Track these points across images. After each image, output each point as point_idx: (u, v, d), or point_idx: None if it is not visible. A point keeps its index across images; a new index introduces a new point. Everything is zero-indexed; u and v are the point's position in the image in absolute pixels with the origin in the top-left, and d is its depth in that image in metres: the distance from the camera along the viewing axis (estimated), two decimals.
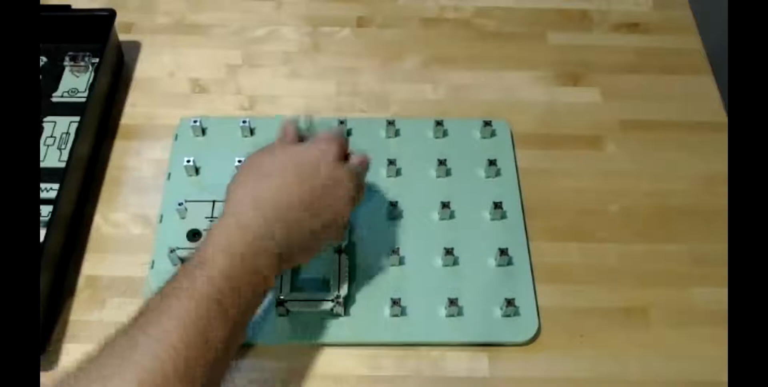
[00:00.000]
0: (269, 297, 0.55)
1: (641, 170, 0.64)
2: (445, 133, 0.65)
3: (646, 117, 0.68)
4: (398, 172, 0.63)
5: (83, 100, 0.65)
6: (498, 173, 0.63)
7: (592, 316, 0.57)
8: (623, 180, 0.64)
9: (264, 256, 0.46)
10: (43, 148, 0.63)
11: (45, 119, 0.64)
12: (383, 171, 0.63)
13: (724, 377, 0.53)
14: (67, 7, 0.68)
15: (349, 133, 0.65)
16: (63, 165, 0.60)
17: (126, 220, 0.61)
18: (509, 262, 0.58)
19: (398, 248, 0.57)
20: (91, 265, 0.58)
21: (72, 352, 0.54)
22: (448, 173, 0.63)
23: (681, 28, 0.75)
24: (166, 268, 0.57)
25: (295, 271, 0.57)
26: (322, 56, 0.72)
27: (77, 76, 0.68)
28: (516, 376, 0.54)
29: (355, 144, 0.64)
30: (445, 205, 0.60)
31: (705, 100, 0.69)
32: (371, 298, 0.56)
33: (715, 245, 0.60)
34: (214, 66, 0.71)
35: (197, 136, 0.65)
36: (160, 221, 0.59)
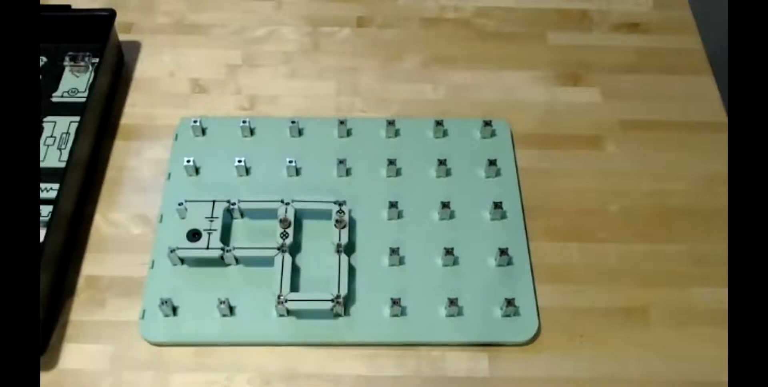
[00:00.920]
0: (269, 297, 0.55)
1: (641, 170, 0.64)
2: (445, 133, 0.65)
3: (646, 117, 0.68)
4: (398, 172, 0.63)
5: (83, 100, 0.65)
6: (498, 173, 0.63)
7: (592, 316, 0.57)
8: (623, 180, 0.64)
9: None
10: (43, 148, 0.63)
11: (45, 119, 0.64)
12: (383, 171, 0.63)
13: (724, 377, 0.53)
14: (67, 7, 0.68)
15: (349, 133, 0.65)
16: (63, 165, 0.60)
17: (126, 220, 0.61)
18: (509, 262, 0.58)
19: (398, 248, 0.57)
20: (91, 265, 0.58)
21: (72, 352, 0.54)
22: (448, 173, 0.63)
23: (681, 28, 0.75)
24: (166, 268, 0.57)
25: (295, 271, 0.57)
26: (322, 56, 0.72)
27: (77, 76, 0.68)
28: (516, 376, 0.54)
29: (355, 144, 0.64)
30: (445, 205, 0.60)
31: (705, 100, 0.69)
32: (371, 298, 0.56)
33: (715, 245, 0.60)
34: (214, 66, 0.71)
35: (197, 136, 0.65)
36: (160, 221, 0.60)
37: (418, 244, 0.59)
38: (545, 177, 0.64)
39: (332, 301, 0.54)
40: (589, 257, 0.59)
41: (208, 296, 0.56)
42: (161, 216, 0.60)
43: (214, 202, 0.59)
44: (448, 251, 0.57)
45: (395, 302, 0.55)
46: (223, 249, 0.56)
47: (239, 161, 0.62)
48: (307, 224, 0.60)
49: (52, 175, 0.60)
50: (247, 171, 0.62)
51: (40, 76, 0.67)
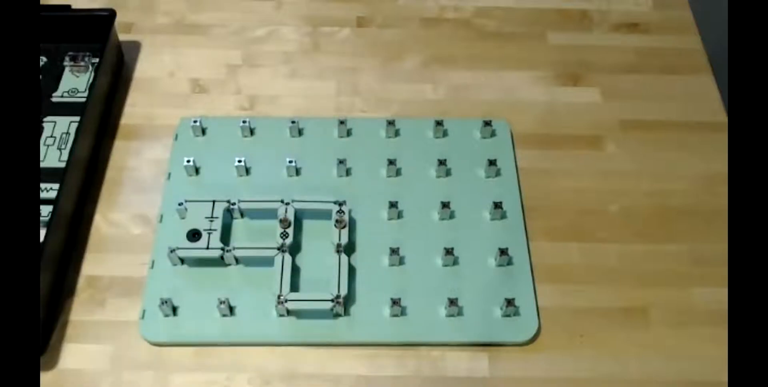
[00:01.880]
0: (269, 297, 0.55)
1: (641, 170, 0.64)
2: (445, 133, 0.65)
3: (646, 117, 0.68)
4: (398, 172, 0.63)
5: (83, 100, 0.65)
6: (498, 173, 0.63)
7: (592, 316, 0.57)
8: (623, 180, 0.64)
9: None
10: (43, 148, 0.63)
11: (45, 119, 0.64)
12: (383, 171, 0.63)
13: (724, 377, 0.53)
14: (67, 7, 0.68)
15: (349, 133, 0.65)
16: (63, 165, 0.60)
17: (126, 220, 0.61)
18: (509, 262, 0.58)
19: (398, 248, 0.57)
20: (91, 265, 0.58)
21: (72, 352, 0.54)
22: (448, 173, 0.63)
23: (681, 28, 0.75)
24: (166, 268, 0.57)
25: (295, 271, 0.57)
26: (322, 56, 0.72)
27: (77, 76, 0.68)
28: (516, 376, 0.54)
29: (355, 144, 0.64)
30: (445, 205, 0.60)
31: (705, 100, 0.69)
32: (371, 298, 0.56)
33: (715, 245, 0.60)
34: (214, 66, 0.71)
35: (197, 136, 0.65)
36: (160, 221, 0.60)
37: (418, 244, 0.59)
38: (545, 177, 0.64)
39: (332, 301, 0.54)
40: (589, 257, 0.60)
41: (208, 296, 0.56)
42: (161, 216, 0.60)
43: (214, 202, 0.59)
44: (448, 251, 0.57)
45: (395, 302, 0.55)
46: (223, 249, 0.56)
47: (239, 161, 0.62)
48: (307, 224, 0.60)
49: (52, 175, 0.60)
50: (247, 171, 0.62)
51: (40, 76, 0.67)
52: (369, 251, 0.59)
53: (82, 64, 0.68)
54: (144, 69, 0.70)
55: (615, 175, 0.64)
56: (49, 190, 0.60)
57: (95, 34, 0.66)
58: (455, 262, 0.58)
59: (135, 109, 0.68)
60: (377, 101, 0.69)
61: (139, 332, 0.55)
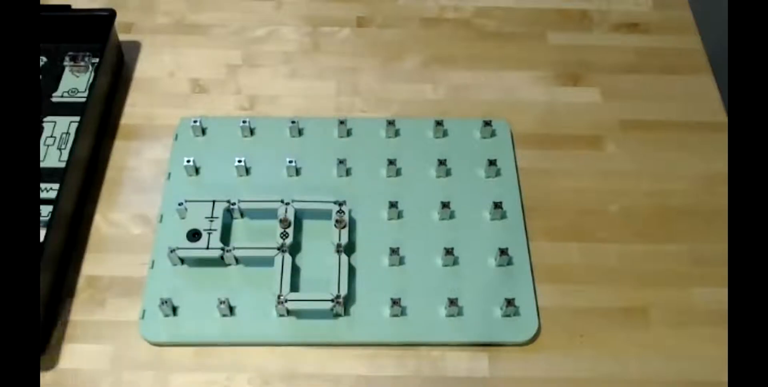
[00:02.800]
0: (269, 297, 0.55)
1: (641, 170, 0.64)
2: (445, 133, 0.65)
3: (646, 117, 0.68)
4: (398, 172, 0.63)
5: (83, 100, 0.65)
6: (498, 173, 0.63)
7: (592, 316, 0.57)
8: (623, 180, 0.64)
9: None
10: (43, 148, 0.63)
11: (45, 119, 0.64)
12: (383, 171, 0.63)
13: (724, 377, 0.53)
14: (67, 7, 0.68)
15: (349, 133, 0.65)
16: (63, 165, 0.60)
17: (126, 220, 0.61)
18: (509, 262, 0.58)
19: (398, 248, 0.57)
20: (91, 265, 0.58)
21: (72, 352, 0.54)
22: (448, 173, 0.63)
23: (681, 28, 0.75)
24: (166, 268, 0.57)
25: (295, 271, 0.57)
26: (322, 56, 0.72)
27: (77, 76, 0.68)
28: (516, 376, 0.54)
29: (355, 144, 0.64)
30: (445, 205, 0.60)
31: (705, 100, 0.69)
32: (371, 298, 0.56)
33: (715, 245, 0.60)
34: (214, 66, 0.71)
35: (197, 136, 0.65)
36: (160, 221, 0.59)
37: (418, 244, 0.59)
38: (545, 177, 0.64)
39: (332, 301, 0.54)
40: (589, 257, 0.59)
41: (208, 296, 0.56)
42: (161, 216, 0.60)
43: (214, 202, 0.59)
44: (448, 251, 0.57)
45: (395, 302, 0.55)
46: (223, 249, 0.56)
47: (239, 161, 0.62)
48: (307, 224, 0.60)
49: (52, 175, 0.60)
50: (247, 171, 0.62)
51: (40, 76, 0.67)
52: (369, 251, 0.59)
53: (82, 64, 0.68)
54: (144, 69, 0.70)
55: (615, 175, 0.64)
56: (49, 190, 0.60)
57: (95, 34, 0.66)
58: (455, 262, 0.58)
59: (135, 109, 0.68)
60: (377, 101, 0.69)
61: (139, 332, 0.55)
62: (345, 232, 0.57)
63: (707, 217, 0.62)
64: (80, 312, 0.56)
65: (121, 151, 0.65)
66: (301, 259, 0.58)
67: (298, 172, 0.62)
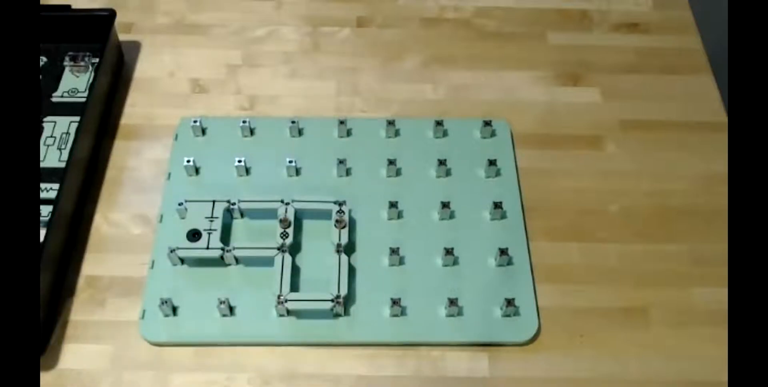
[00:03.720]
0: (269, 297, 0.55)
1: (641, 170, 0.64)
2: (445, 133, 0.65)
3: (646, 117, 0.68)
4: (398, 172, 0.63)
5: (83, 100, 0.65)
6: (498, 173, 0.63)
7: (592, 316, 0.57)
8: (623, 180, 0.64)
9: None
10: (43, 148, 0.63)
11: (45, 119, 0.64)
12: (383, 171, 0.63)
13: (724, 377, 0.53)
14: (67, 7, 0.68)
15: (349, 133, 0.65)
16: (63, 165, 0.60)
17: (126, 220, 0.61)
18: (509, 262, 0.58)
19: (398, 248, 0.57)
20: (91, 265, 0.58)
21: (72, 352, 0.54)
22: (448, 173, 0.63)
23: (681, 28, 0.75)
24: (166, 268, 0.57)
25: (295, 271, 0.57)
26: (322, 56, 0.72)
27: (77, 76, 0.68)
28: (516, 376, 0.54)
29: (355, 144, 0.64)
30: (445, 205, 0.60)
31: (705, 100, 0.69)
32: (371, 298, 0.56)
33: (715, 245, 0.60)
34: (214, 66, 0.71)
35: (197, 136, 0.65)
36: (160, 221, 0.59)
37: (418, 244, 0.59)
38: (545, 177, 0.64)
39: (332, 301, 0.54)
40: (589, 257, 0.59)
41: (208, 296, 0.56)
42: (161, 216, 0.60)
43: (214, 202, 0.59)
44: (448, 251, 0.57)
45: (395, 302, 0.55)
46: (223, 249, 0.56)
47: (239, 161, 0.62)
48: (307, 224, 0.60)
49: (52, 175, 0.60)
50: (247, 171, 0.62)
51: (40, 76, 0.67)
52: (369, 251, 0.59)
53: (82, 64, 0.68)
54: (144, 69, 0.70)
55: (615, 175, 0.64)
56: (49, 190, 0.60)
57: (95, 34, 0.66)
58: (455, 262, 0.58)
59: (135, 109, 0.68)
60: (377, 101, 0.69)
61: (139, 332, 0.55)
62: (345, 232, 0.57)
63: (707, 217, 0.62)
64: (80, 312, 0.56)
65: (121, 151, 0.65)
66: (301, 259, 0.58)
67: (298, 172, 0.62)
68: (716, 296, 0.57)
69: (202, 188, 0.61)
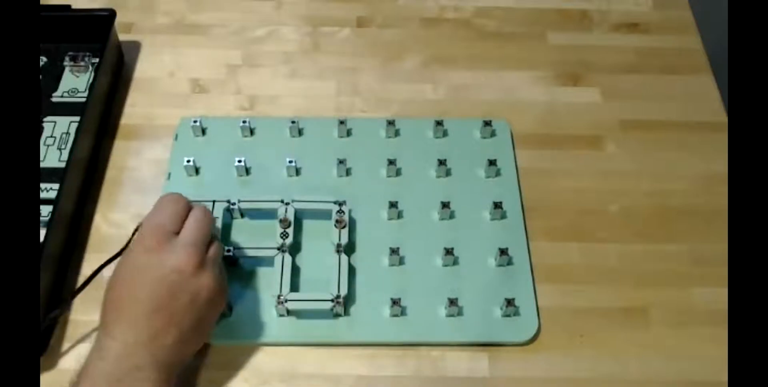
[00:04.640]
0: (269, 297, 0.55)
1: (641, 170, 0.64)
2: (445, 133, 0.65)
3: (646, 117, 0.68)
4: (398, 172, 0.63)
5: (83, 100, 0.65)
6: (498, 173, 0.63)
7: (592, 316, 0.57)
8: (623, 180, 0.64)
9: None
10: (43, 148, 0.63)
11: (45, 119, 0.64)
12: (383, 171, 0.63)
13: (724, 377, 0.53)
14: (67, 7, 0.68)
15: (349, 133, 0.65)
16: (63, 165, 0.60)
17: (126, 220, 0.61)
18: (509, 262, 0.58)
19: (398, 248, 0.57)
20: (91, 265, 0.58)
21: (72, 352, 0.54)
22: (448, 173, 0.63)
23: (681, 28, 0.75)
24: None
25: (295, 271, 0.57)
26: (322, 56, 0.72)
27: (77, 76, 0.68)
28: (516, 376, 0.54)
29: (355, 144, 0.64)
30: (445, 205, 0.60)
31: (705, 100, 0.69)
32: (371, 298, 0.56)
33: (715, 245, 0.60)
34: (214, 66, 0.71)
35: (197, 136, 0.65)
36: None
37: (418, 244, 0.59)
38: (545, 177, 0.64)
39: (332, 301, 0.54)
40: (589, 257, 0.59)
41: None
42: None
43: (214, 202, 0.59)
44: (448, 251, 0.57)
45: (395, 302, 0.55)
46: (223, 249, 0.56)
47: (239, 161, 0.62)
48: (307, 224, 0.60)
49: (52, 175, 0.60)
50: (247, 171, 0.62)
51: (40, 76, 0.67)
52: (369, 251, 0.58)
53: (82, 64, 0.68)
54: (144, 69, 0.70)
55: (615, 175, 0.64)
56: (49, 190, 0.60)
57: (95, 34, 0.66)
58: (455, 262, 0.58)
59: (135, 109, 0.67)
60: (377, 101, 0.69)
61: None
62: (345, 232, 0.57)
63: (707, 217, 0.62)
64: (80, 312, 0.56)
65: (121, 151, 0.65)
66: (301, 259, 0.58)
67: (298, 172, 0.62)
68: (716, 296, 0.57)
69: (202, 188, 0.61)
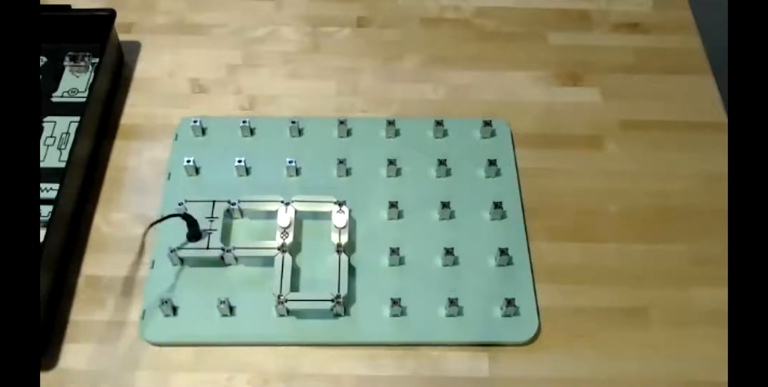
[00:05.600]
0: (269, 297, 0.55)
1: (641, 170, 0.64)
2: (445, 133, 0.65)
3: (646, 117, 0.68)
4: (398, 172, 0.63)
5: (83, 100, 0.65)
6: (498, 173, 0.63)
7: (592, 316, 0.57)
8: (623, 180, 0.64)
9: None
10: (43, 148, 0.63)
11: (45, 119, 0.64)
12: (383, 171, 0.63)
13: (724, 377, 0.53)
14: (67, 7, 0.68)
15: (349, 133, 0.65)
16: (63, 165, 0.60)
17: (126, 220, 0.61)
18: (509, 262, 0.58)
19: (398, 248, 0.57)
20: (91, 265, 0.58)
21: (72, 352, 0.54)
22: (448, 173, 0.63)
23: (681, 28, 0.75)
24: (166, 268, 0.57)
25: (295, 271, 0.57)
26: (322, 56, 0.72)
27: (77, 76, 0.68)
28: (516, 376, 0.54)
29: (355, 144, 0.65)
30: (445, 205, 0.60)
31: (705, 100, 0.69)
32: (371, 298, 0.56)
33: (715, 245, 0.60)
34: (214, 66, 0.71)
35: (197, 136, 0.65)
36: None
37: (418, 244, 0.59)
38: (545, 177, 0.64)
39: (332, 301, 0.54)
40: (589, 257, 0.59)
41: (208, 296, 0.56)
42: (161, 216, 0.60)
43: (214, 202, 0.59)
44: (448, 251, 0.57)
45: (395, 302, 0.55)
46: (223, 249, 0.56)
47: (239, 161, 0.62)
48: (307, 224, 0.60)
49: (52, 175, 0.60)
50: (247, 171, 0.62)
51: (40, 76, 0.67)
52: (369, 251, 0.59)
53: (82, 64, 0.68)
54: (144, 69, 0.70)
55: (615, 175, 0.64)
56: (49, 190, 0.60)
57: (95, 34, 0.66)
58: (455, 262, 0.58)
59: (135, 109, 0.68)
60: (377, 101, 0.69)
61: (139, 332, 0.55)
62: (345, 232, 0.57)
63: (707, 217, 0.62)
64: (80, 312, 0.56)
65: (121, 151, 0.65)
66: (301, 259, 0.58)
67: (298, 172, 0.62)
68: (716, 296, 0.57)
69: (202, 188, 0.61)
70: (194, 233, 0.57)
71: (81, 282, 0.57)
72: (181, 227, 0.57)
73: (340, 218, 0.57)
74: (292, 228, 0.57)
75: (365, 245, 0.59)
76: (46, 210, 0.57)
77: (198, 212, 0.58)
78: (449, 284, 0.57)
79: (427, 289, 0.57)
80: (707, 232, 0.61)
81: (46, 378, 0.53)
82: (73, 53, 0.68)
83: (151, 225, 0.55)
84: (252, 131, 0.65)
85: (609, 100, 0.69)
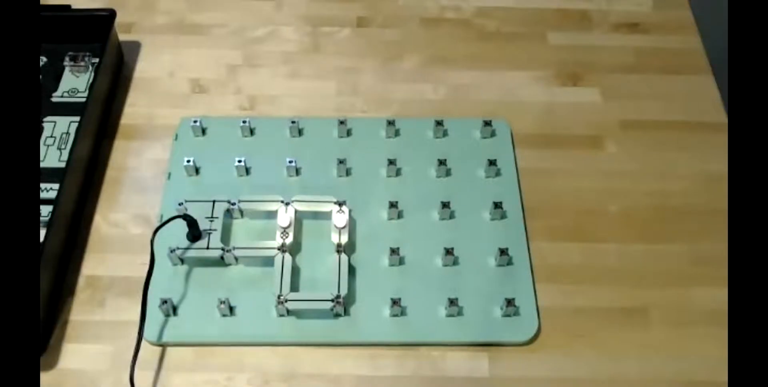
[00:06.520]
0: (269, 297, 0.55)
1: (641, 170, 0.64)
2: (445, 133, 0.65)
3: (646, 117, 0.68)
4: (398, 172, 0.63)
5: (83, 100, 0.65)
6: (498, 173, 0.63)
7: (592, 316, 0.57)
8: (623, 180, 0.64)
9: None
10: (43, 148, 0.63)
11: (45, 119, 0.64)
12: (383, 171, 0.63)
13: (724, 377, 0.53)
14: (67, 7, 0.68)
15: (349, 133, 0.65)
16: (63, 165, 0.60)
17: (126, 220, 0.61)
18: (509, 262, 0.58)
19: (398, 248, 0.57)
20: (91, 265, 0.58)
21: (72, 352, 0.54)
22: (448, 173, 0.63)
23: (681, 28, 0.75)
24: (166, 268, 0.57)
25: (295, 271, 0.57)
26: (322, 56, 0.72)
27: (77, 76, 0.68)
28: (516, 376, 0.54)
29: (355, 144, 0.65)
30: (445, 205, 0.60)
31: (705, 100, 0.69)
32: (371, 298, 0.56)
33: (715, 245, 0.60)
34: (214, 66, 0.71)
35: (197, 136, 0.65)
36: (160, 221, 0.59)
37: (418, 244, 0.59)
38: (545, 177, 0.64)
39: (332, 301, 0.54)
40: (589, 257, 0.59)
41: (208, 296, 0.56)
42: (161, 216, 0.60)
43: (214, 202, 0.59)
44: (448, 251, 0.57)
45: (395, 302, 0.55)
46: (223, 249, 0.56)
47: (239, 161, 0.62)
48: (307, 224, 0.60)
49: (52, 175, 0.60)
50: (247, 171, 0.62)
51: (40, 76, 0.67)
52: (369, 251, 0.59)
53: (82, 64, 0.68)
54: (144, 69, 0.70)
55: (615, 175, 0.64)
56: (49, 190, 0.60)
57: (95, 34, 0.66)
58: (455, 262, 0.58)
59: (135, 109, 0.68)
60: (377, 101, 0.69)
61: None
62: (345, 232, 0.57)
63: (707, 217, 0.62)
64: (80, 312, 0.56)
65: (121, 151, 0.65)
66: (301, 259, 0.58)
67: (298, 172, 0.62)
68: (716, 296, 0.57)
69: (202, 188, 0.61)
70: (194, 233, 0.57)
71: (81, 282, 0.57)
72: (181, 227, 0.57)
73: (340, 218, 0.57)
74: (292, 228, 0.57)
75: (365, 245, 0.59)
76: (46, 210, 0.57)
77: (198, 212, 0.58)
78: (449, 284, 0.57)
79: (427, 289, 0.57)
80: (707, 232, 0.61)
81: (46, 378, 0.53)
82: (73, 53, 0.68)
83: (156, 231, 0.55)
84: (252, 131, 0.65)
85: (609, 100, 0.69)
